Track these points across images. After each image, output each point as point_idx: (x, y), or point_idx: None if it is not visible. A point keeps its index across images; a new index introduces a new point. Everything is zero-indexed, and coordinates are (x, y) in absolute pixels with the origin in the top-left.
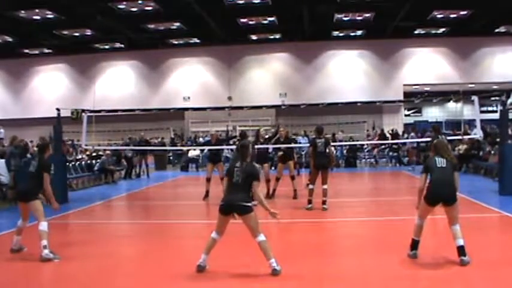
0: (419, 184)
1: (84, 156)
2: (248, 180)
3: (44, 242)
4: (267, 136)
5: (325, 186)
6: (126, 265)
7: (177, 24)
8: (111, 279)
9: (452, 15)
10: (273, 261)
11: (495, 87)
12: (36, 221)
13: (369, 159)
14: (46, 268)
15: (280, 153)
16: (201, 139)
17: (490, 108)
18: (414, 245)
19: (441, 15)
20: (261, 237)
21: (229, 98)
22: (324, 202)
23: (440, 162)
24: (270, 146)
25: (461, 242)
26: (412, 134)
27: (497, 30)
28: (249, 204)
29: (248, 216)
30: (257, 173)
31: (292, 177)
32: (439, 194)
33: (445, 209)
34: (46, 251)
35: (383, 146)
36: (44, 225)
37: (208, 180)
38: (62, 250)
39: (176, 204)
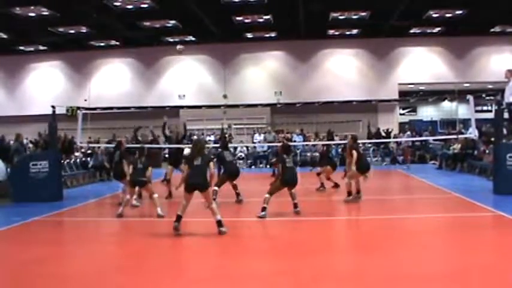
0: None
1: (78, 153)
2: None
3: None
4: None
5: None
6: (120, 262)
7: (173, 22)
8: (105, 277)
9: (447, 15)
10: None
11: (490, 86)
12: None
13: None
14: (39, 264)
15: None
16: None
17: (485, 108)
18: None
19: (437, 15)
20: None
21: (225, 96)
22: None
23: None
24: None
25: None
26: (408, 133)
27: (492, 30)
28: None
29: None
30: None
31: None
32: None
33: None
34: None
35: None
36: None
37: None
38: (55, 247)
39: (169, 202)
